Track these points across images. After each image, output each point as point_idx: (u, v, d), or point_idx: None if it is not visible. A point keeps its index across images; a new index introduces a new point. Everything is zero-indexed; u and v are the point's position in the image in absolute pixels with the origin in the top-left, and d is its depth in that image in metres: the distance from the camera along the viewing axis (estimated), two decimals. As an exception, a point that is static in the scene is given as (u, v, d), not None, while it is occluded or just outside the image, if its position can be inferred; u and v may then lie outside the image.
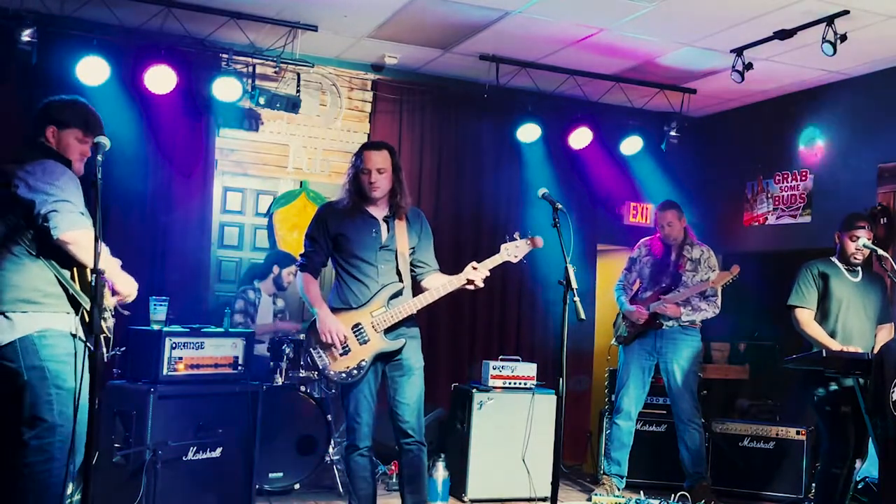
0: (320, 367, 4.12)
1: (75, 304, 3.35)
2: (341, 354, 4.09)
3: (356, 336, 4.11)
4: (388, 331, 4.13)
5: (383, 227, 4.20)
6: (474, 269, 4.11)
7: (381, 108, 7.03)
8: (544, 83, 7.00)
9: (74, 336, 3.33)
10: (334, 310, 4.15)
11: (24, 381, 3.27)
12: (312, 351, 4.13)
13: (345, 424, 4.36)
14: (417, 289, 4.28)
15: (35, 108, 3.57)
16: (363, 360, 4.09)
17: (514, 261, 4.19)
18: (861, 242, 4.72)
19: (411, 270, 4.28)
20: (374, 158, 4.15)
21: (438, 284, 4.18)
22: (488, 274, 4.16)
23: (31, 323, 3.28)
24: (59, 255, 3.31)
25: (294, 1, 5.73)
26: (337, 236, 4.18)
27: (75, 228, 3.24)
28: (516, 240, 4.15)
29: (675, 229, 5.88)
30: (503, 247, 4.17)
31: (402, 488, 4.24)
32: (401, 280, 4.20)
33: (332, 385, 4.04)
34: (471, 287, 4.16)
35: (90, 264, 3.23)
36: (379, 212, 4.22)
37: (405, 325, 4.18)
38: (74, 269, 3.37)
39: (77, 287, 3.33)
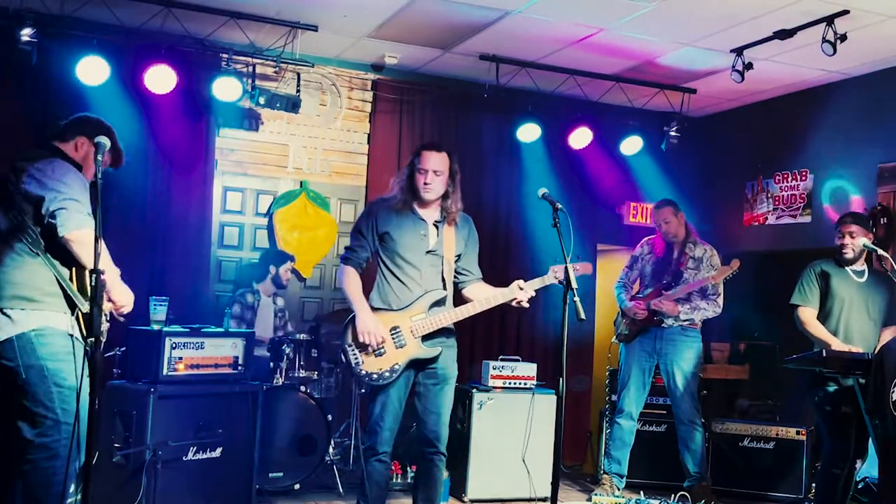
0: (353, 365, 4.06)
1: (72, 305, 3.35)
2: (376, 355, 4.04)
3: (393, 339, 4.05)
4: (425, 338, 4.07)
5: (432, 230, 4.14)
6: (521, 288, 4.05)
7: (381, 108, 7.04)
8: (544, 83, 7.00)
9: (72, 336, 3.33)
10: (374, 309, 4.08)
11: (22, 379, 3.27)
12: (348, 348, 4.06)
13: (364, 425, 4.24)
14: (458, 296, 4.24)
15: (43, 98, 3.57)
16: (397, 363, 4.03)
17: (560, 283, 4.06)
18: (861, 243, 4.71)
19: (454, 277, 4.23)
20: (432, 159, 4.08)
21: (482, 297, 4.13)
22: (534, 294, 4.08)
23: (29, 320, 3.28)
24: (60, 253, 3.31)
25: (294, 1, 5.73)
26: (384, 234, 4.11)
27: (81, 228, 3.25)
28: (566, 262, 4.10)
29: (673, 226, 5.88)
30: (552, 269, 4.09)
31: (416, 493, 4.22)
32: (444, 287, 4.14)
33: (363, 385, 3.98)
34: (514, 305, 4.10)
35: (91, 265, 3.23)
36: (430, 215, 4.16)
37: (444, 333, 4.12)
38: (73, 270, 3.37)
39: (74, 288, 3.33)
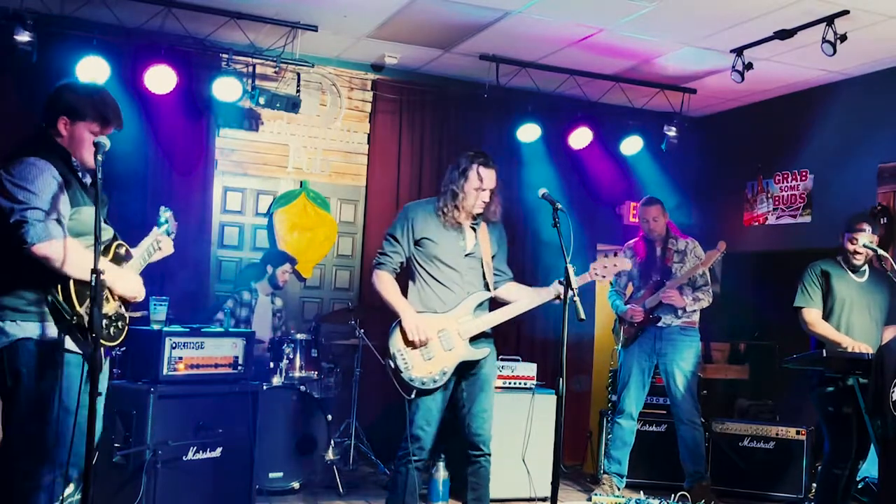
0: (402, 371, 3.95)
1: (57, 314, 3.24)
2: (425, 359, 3.97)
3: (441, 341, 4.00)
4: (472, 339, 4.05)
5: (469, 234, 4.13)
6: (561, 284, 3.96)
7: (381, 108, 7.04)
8: (544, 83, 7.00)
9: (58, 343, 3.24)
10: (418, 313, 4.03)
11: (7, 387, 3.23)
12: (396, 353, 3.96)
13: (407, 431, 4.03)
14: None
15: (43, 98, 3.41)
16: (446, 366, 3.99)
17: (602, 280, 4.11)
18: (862, 242, 4.70)
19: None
20: (490, 177, 4.06)
21: (527, 297, 4.12)
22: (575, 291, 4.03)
23: (18, 330, 3.20)
24: (38, 263, 3.17)
25: (294, 1, 5.73)
26: (422, 240, 4.06)
27: (46, 240, 3.08)
28: (607, 257, 4.09)
29: (660, 224, 5.91)
30: (592, 265, 4.11)
31: (466, 497, 4.15)
32: (486, 289, 4.13)
33: (411, 391, 3.81)
34: (557, 302, 4.01)
35: (71, 273, 3.13)
36: (465, 219, 4.13)
37: (483, 335, 4.11)
38: (58, 280, 3.26)
39: (60, 297, 3.19)
